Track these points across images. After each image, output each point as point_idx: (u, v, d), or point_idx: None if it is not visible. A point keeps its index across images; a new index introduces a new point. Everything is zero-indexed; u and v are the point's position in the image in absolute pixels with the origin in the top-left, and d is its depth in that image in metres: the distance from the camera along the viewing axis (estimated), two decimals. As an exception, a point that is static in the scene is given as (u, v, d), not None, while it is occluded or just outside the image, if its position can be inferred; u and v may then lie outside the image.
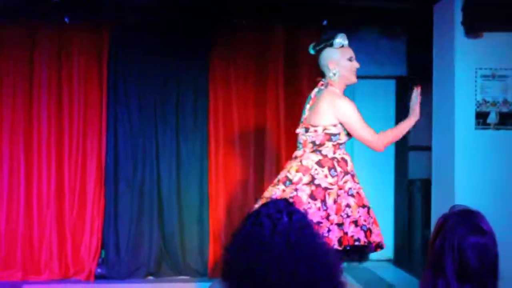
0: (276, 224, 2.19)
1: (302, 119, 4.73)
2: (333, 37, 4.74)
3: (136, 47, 7.16)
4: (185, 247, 7.21)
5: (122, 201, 7.12)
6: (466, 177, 6.02)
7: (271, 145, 7.26)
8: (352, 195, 4.48)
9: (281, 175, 4.61)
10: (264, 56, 7.31)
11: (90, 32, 7.10)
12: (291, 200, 4.34)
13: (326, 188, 4.43)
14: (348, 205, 4.43)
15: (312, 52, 4.83)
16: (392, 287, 6.95)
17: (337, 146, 4.54)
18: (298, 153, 4.64)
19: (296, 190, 4.46)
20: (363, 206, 4.50)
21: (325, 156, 4.51)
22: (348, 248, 4.41)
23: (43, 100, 7.02)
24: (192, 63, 7.24)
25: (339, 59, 4.68)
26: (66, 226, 7.02)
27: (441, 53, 6.39)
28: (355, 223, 4.40)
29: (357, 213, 4.44)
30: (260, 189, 7.09)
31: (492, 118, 6.06)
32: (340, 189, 4.46)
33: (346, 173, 4.52)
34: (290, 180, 4.51)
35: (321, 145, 4.54)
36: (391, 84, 8.24)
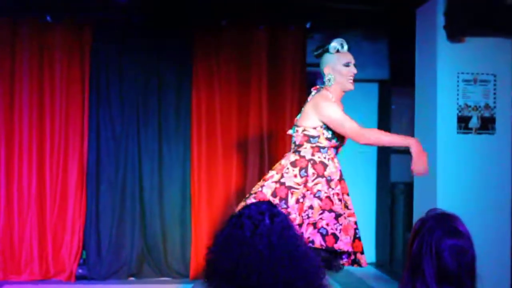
0: (257, 225, 2.20)
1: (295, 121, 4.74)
2: (330, 42, 4.72)
3: (118, 48, 7.14)
4: (167, 248, 7.20)
5: (104, 202, 7.09)
6: (448, 180, 6.05)
7: (253, 147, 7.26)
8: (319, 198, 4.38)
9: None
10: (247, 58, 7.31)
11: (72, 32, 7.05)
12: (254, 195, 4.42)
13: (290, 187, 4.42)
14: (311, 207, 4.36)
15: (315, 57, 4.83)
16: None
17: (316, 148, 4.50)
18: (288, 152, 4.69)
19: (262, 186, 4.48)
20: (330, 211, 4.35)
21: (303, 157, 4.50)
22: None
23: (24, 100, 6.98)
24: (175, 63, 7.23)
25: (334, 64, 4.65)
26: (47, 226, 6.98)
27: (423, 57, 6.42)
28: (314, 225, 4.29)
29: (318, 216, 4.31)
30: (242, 191, 7.11)
31: (474, 123, 6.10)
32: (307, 190, 4.41)
33: (321, 176, 4.46)
34: (264, 178, 4.60)
35: (300, 145, 4.54)
36: (374, 88, 8.27)
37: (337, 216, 4.34)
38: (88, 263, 7.07)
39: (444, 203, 5.81)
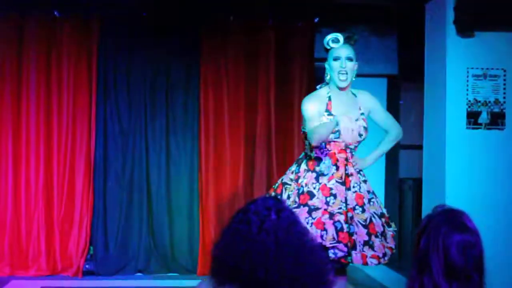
0: (263, 221, 2.18)
1: None
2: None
3: (126, 44, 7.14)
4: (174, 244, 7.19)
5: (111, 197, 7.09)
6: (457, 176, 6.02)
7: (261, 143, 7.25)
8: (301, 193, 4.44)
9: None
10: (255, 54, 7.29)
11: (80, 28, 7.06)
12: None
13: (284, 184, 4.54)
14: (294, 202, 4.43)
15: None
16: (382, 286, 6.95)
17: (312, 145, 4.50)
18: None
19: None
20: (305, 205, 4.38)
21: (306, 154, 4.59)
22: None
23: (31, 96, 6.99)
24: (182, 59, 7.22)
25: (329, 59, 4.63)
26: (54, 222, 6.98)
27: (432, 52, 6.38)
28: None
29: None
30: (250, 187, 7.11)
31: (484, 118, 6.06)
32: (297, 185, 4.48)
33: (311, 171, 4.49)
34: None
35: (304, 143, 4.64)
36: (383, 83, 8.23)
37: (311, 210, 4.35)
38: (96, 258, 7.07)
39: (453, 199, 5.78)
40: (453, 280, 2.32)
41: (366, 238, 4.43)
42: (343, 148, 4.54)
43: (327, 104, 4.58)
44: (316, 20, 7.22)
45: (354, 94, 4.68)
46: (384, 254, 4.49)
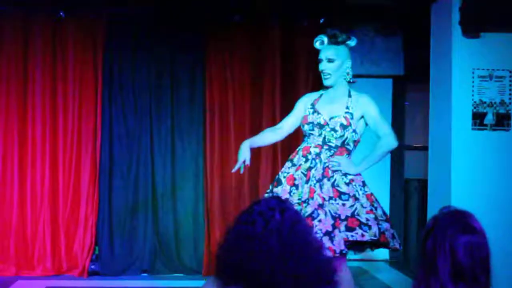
0: (268, 221, 2.18)
1: None
2: None
3: (132, 44, 7.15)
4: (179, 244, 7.19)
5: (117, 198, 7.10)
6: (463, 177, 6.01)
7: (267, 143, 7.24)
8: (275, 180, 4.71)
9: None
10: (260, 53, 7.30)
11: (85, 27, 7.08)
12: None
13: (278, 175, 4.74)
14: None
15: None
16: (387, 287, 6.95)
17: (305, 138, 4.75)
18: None
19: None
20: (271, 191, 4.64)
21: None
22: None
23: (37, 96, 7.01)
24: (188, 59, 7.23)
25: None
26: (60, 222, 7.00)
27: (438, 53, 6.37)
28: None
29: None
30: (255, 187, 7.11)
31: (489, 119, 6.05)
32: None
33: (289, 160, 4.71)
34: None
35: None
36: (388, 84, 8.22)
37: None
38: (101, 259, 7.08)
39: (459, 199, 5.77)
40: (460, 282, 2.31)
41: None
42: (320, 143, 4.60)
43: (314, 99, 4.76)
44: (321, 20, 7.22)
45: (350, 95, 4.68)
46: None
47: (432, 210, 6.25)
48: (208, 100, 7.23)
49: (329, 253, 4.28)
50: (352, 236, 4.41)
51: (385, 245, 4.57)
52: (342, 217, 4.42)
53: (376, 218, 4.48)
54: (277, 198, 2.31)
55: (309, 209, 4.45)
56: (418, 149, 7.83)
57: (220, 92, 7.25)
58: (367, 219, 4.44)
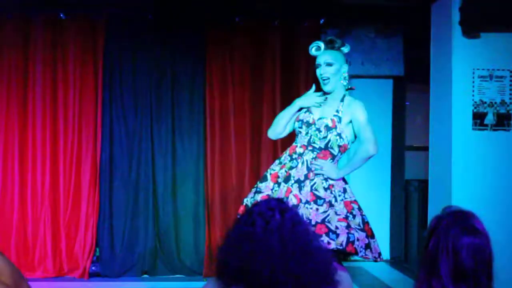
0: (268, 221, 2.19)
1: None
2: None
3: (132, 44, 7.16)
4: (180, 245, 7.19)
5: (117, 198, 7.10)
6: (463, 177, 6.00)
7: (267, 144, 7.24)
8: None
9: None
10: (261, 54, 7.30)
11: (86, 28, 7.08)
12: None
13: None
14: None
15: None
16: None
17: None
18: None
19: None
20: (256, 186, 4.69)
21: None
22: None
23: (38, 97, 7.01)
24: (188, 59, 7.23)
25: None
26: (60, 224, 7.00)
27: (438, 53, 6.37)
28: None
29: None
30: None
31: (490, 119, 6.05)
32: None
33: (278, 158, 4.78)
34: None
35: None
36: (388, 84, 8.22)
37: (257, 191, 4.62)
38: (102, 260, 7.08)
39: (459, 200, 5.77)
40: (461, 283, 2.31)
41: None
42: (305, 143, 4.62)
43: None
44: (321, 21, 7.22)
45: (343, 100, 4.66)
46: None
47: (433, 211, 6.25)
48: (208, 100, 7.23)
49: None
50: None
51: (353, 254, 4.52)
52: (313, 222, 4.39)
53: (348, 227, 4.39)
54: (277, 199, 2.32)
55: None
56: (419, 150, 7.82)
57: (221, 92, 7.25)
58: (337, 227, 4.37)
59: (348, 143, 4.63)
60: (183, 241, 7.21)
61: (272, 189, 4.59)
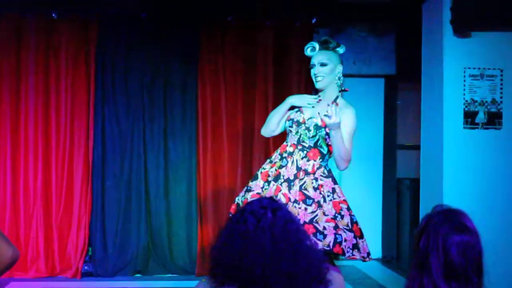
0: (260, 220, 2.20)
1: None
2: None
3: (124, 44, 7.14)
4: (172, 244, 7.19)
5: (109, 198, 7.09)
6: (455, 176, 6.02)
7: (259, 144, 7.25)
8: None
9: None
10: (253, 54, 7.31)
11: (78, 28, 7.07)
12: None
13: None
14: None
15: None
16: (380, 286, 6.96)
17: None
18: None
19: None
20: (246, 185, 4.78)
21: None
22: None
23: (30, 96, 7.00)
24: (181, 59, 7.22)
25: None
26: (52, 223, 6.99)
27: (429, 52, 6.39)
28: None
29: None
30: (248, 187, 7.09)
31: (481, 118, 6.07)
32: None
33: (269, 157, 4.85)
34: None
35: None
36: (380, 83, 8.23)
37: (247, 190, 4.69)
38: (94, 260, 7.07)
39: (451, 198, 5.79)
40: (452, 281, 2.32)
41: None
42: (295, 142, 4.64)
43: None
44: (313, 20, 7.23)
45: (336, 101, 4.66)
46: None
47: (424, 209, 6.26)
48: (200, 100, 7.23)
49: None
50: None
51: (341, 255, 4.53)
52: (301, 222, 4.40)
53: (336, 227, 4.40)
54: (270, 198, 2.33)
55: None
56: (410, 148, 7.84)
57: (213, 92, 7.25)
58: (324, 228, 4.39)
59: None
60: (176, 240, 7.21)
61: (262, 188, 4.62)
